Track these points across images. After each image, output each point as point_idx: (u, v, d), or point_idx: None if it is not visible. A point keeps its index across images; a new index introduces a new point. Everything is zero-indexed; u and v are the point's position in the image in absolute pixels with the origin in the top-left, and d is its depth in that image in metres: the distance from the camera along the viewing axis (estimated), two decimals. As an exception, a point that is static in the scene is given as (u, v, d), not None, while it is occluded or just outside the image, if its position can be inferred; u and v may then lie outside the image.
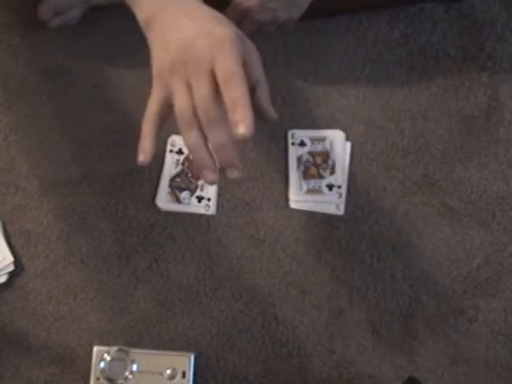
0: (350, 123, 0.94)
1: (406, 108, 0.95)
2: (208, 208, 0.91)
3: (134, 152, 0.94)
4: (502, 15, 0.97)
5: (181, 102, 0.64)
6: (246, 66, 0.64)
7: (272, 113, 0.69)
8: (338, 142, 0.93)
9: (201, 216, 0.91)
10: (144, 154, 0.68)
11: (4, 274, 0.88)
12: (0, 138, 0.93)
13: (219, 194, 0.92)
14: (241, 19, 0.87)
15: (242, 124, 0.61)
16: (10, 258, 0.89)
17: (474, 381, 0.88)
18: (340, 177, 0.92)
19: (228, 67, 0.61)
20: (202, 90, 0.62)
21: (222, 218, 0.92)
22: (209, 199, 0.91)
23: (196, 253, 0.91)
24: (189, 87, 0.63)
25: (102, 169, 0.93)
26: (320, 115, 0.94)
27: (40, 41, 0.96)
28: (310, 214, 0.92)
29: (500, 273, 0.90)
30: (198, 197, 0.91)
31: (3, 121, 0.94)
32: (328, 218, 0.92)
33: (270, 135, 0.93)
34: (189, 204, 0.91)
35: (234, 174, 0.64)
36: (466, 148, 0.94)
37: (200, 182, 0.92)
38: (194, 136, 0.64)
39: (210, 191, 0.92)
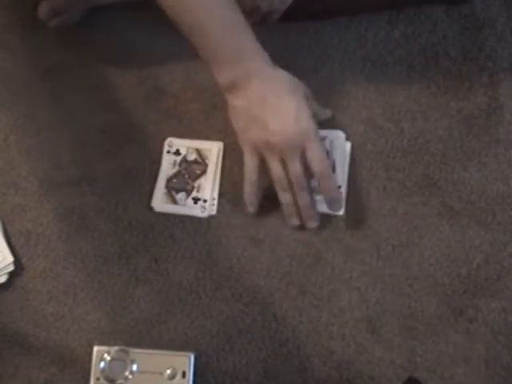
0: (350, 123, 0.94)
1: (406, 108, 0.95)
2: (204, 210, 0.91)
3: (134, 152, 0.95)
4: (502, 15, 0.97)
5: (279, 173, 0.83)
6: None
7: (328, 115, 0.92)
8: (338, 142, 0.93)
9: (201, 216, 0.91)
10: (252, 209, 0.89)
11: (4, 274, 0.88)
12: (0, 138, 0.93)
13: (219, 194, 0.92)
14: None
15: (339, 205, 0.88)
16: (10, 258, 0.89)
17: (474, 381, 0.88)
18: (340, 177, 0.92)
19: (319, 159, 0.82)
20: (297, 168, 0.82)
21: (221, 218, 0.92)
22: (205, 200, 0.91)
23: (196, 253, 0.91)
24: (282, 161, 0.82)
25: (102, 169, 0.93)
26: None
27: (40, 41, 0.96)
28: (310, 214, 0.92)
29: (500, 273, 0.90)
30: (194, 198, 0.91)
31: (3, 121, 0.94)
32: (328, 218, 0.92)
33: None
34: (184, 205, 0.91)
35: (312, 224, 0.88)
36: (466, 148, 0.94)
37: (196, 183, 0.92)
38: (288, 196, 0.85)
39: (207, 193, 0.91)
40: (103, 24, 0.96)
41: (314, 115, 0.84)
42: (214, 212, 0.91)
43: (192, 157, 0.93)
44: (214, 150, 0.92)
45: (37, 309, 0.89)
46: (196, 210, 0.91)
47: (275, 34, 0.95)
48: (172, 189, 0.92)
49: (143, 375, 0.85)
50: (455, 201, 0.92)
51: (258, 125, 0.81)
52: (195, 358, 0.86)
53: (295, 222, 0.88)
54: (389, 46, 0.96)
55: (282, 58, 0.95)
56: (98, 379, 0.84)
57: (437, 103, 0.95)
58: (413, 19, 0.97)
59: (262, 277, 0.90)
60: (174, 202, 0.92)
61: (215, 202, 0.92)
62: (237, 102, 0.82)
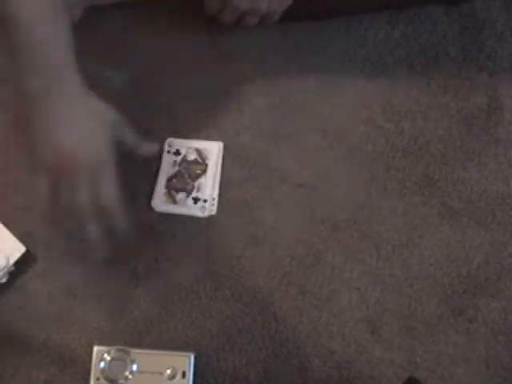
0: (350, 123, 0.94)
1: (406, 108, 0.95)
2: (204, 210, 0.91)
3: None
4: (502, 15, 0.97)
5: (67, 200, 0.77)
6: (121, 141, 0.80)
7: (152, 149, 0.88)
8: (211, 156, 0.92)
9: (201, 216, 0.91)
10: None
11: (4, 273, 0.88)
12: (0, 138, 0.93)
13: (219, 194, 0.92)
14: (222, 6, 0.88)
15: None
16: (22, 249, 0.88)
17: (474, 381, 0.88)
18: (209, 191, 0.91)
19: (104, 194, 0.77)
20: (80, 198, 0.76)
21: (221, 218, 0.92)
22: (205, 200, 0.91)
23: (196, 253, 0.91)
24: (73, 187, 0.76)
25: (102, 169, 0.93)
26: (320, 115, 0.94)
27: (40, 41, 0.95)
28: (310, 214, 0.92)
29: (500, 273, 0.90)
30: (194, 198, 0.91)
31: (3, 120, 0.94)
32: (327, 218, 0.92)
33: (270, 136, 0.93)
34: (184, 205, 0.91)
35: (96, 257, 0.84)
36: (466, 148, 0.94)
37: (196, 183, 0.92)
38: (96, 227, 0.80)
39: (207, 193, 0.91)
40: (103, 24, 0.96)
41: (127, 145, 0.81)
42: (213, 212, 0.91)
43: (192, 157, 0.93)
44: (214, 150, 0.92)
45: (37, 309, 0.89)
46: (196, 210, 0.91)
47: (275, 33, 0.95)
48: (172, 189, 0.92)
49: (143, 375, 0.85)
50: (455, 201, 0.92)
51: (48, 145, 0.75)
52: (195, 358, 0.86)
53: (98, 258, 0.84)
54: (389, 46, 0.96)
55: (281, 57, 0.96)
56: (98, 379, 0.84)
57: (437, 103, 0.95)
58: (413, 19, 0.97)
59: (262, 277, 0.90)
60: (174, 201, 0.91)
61: (215, 202, 0.92)
62: (32, 115, 0.75)
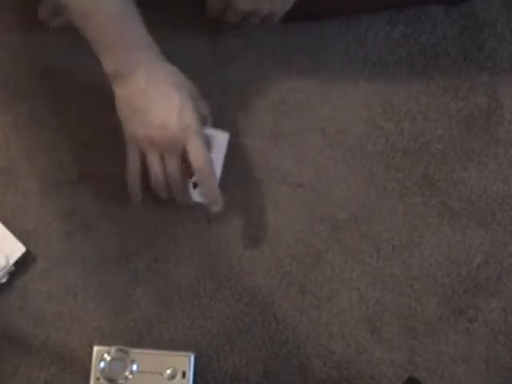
0: (350, 123, 0.94)
1: (406, 108, 0.95)
2: (202, 195, 0.87)
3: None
4: (502, 15, 0.97)
5: (156, 170, 0.81)
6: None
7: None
8: (218, 142, 0.88)
9: (201, 216, 0.91)
10: (137, 199, 0.86)
11: (4, 273, 0.88)
12: (0, 138, 0.93)
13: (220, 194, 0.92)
14: (224, 7, 0.88)
15: (218, 205, 0.84)
16: (22, 249, 0.88)
17: (474, 381, 0.88)
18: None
19: (199, 157, 0.79)
20: (173, 167, 0.80)
21: (222, 217, 0.92)
22: None
23: (196, 253, 0.91)
24: (161, 157, 0.80)
25: (102, 169, 0.93)
26: (320, 115, 0.94)
27: (40, 41, 0.96)
28: (310, 214, 0.92)
29: (500, 273, 0.90)
30: (194, 183, 0.87)
31: (3, 121, 0.94)
32: (327, 218, 0.92)
33: (270, 136, 0.93)
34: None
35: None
36: (466, 148, 0.94)
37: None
38: (165, 192, 0.84)
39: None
40: (103, 24, 0.96)
41: (201, 116, 0.82)
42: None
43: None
44: (219, 138, 0.88)
45: (37, 309, 0.89)
46: (195, 195, 0.88)
47: (275, 33, 0.95)
48: None
49: (143, 375, 0.85)
50: (455, 201, 0.92)
51: (139, 117, 0.79)
52: (195, 358, 0.86)
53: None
54: (389, 46, 0.96)
55: (281, 57, 0.96)
56: (98, 379, 0.84)
57: (437, 103, 0.95)
58: (413, 19, 0.97)
59: (262, 277, 0.90)
60: None
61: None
62: (120, 92, 0.79)
